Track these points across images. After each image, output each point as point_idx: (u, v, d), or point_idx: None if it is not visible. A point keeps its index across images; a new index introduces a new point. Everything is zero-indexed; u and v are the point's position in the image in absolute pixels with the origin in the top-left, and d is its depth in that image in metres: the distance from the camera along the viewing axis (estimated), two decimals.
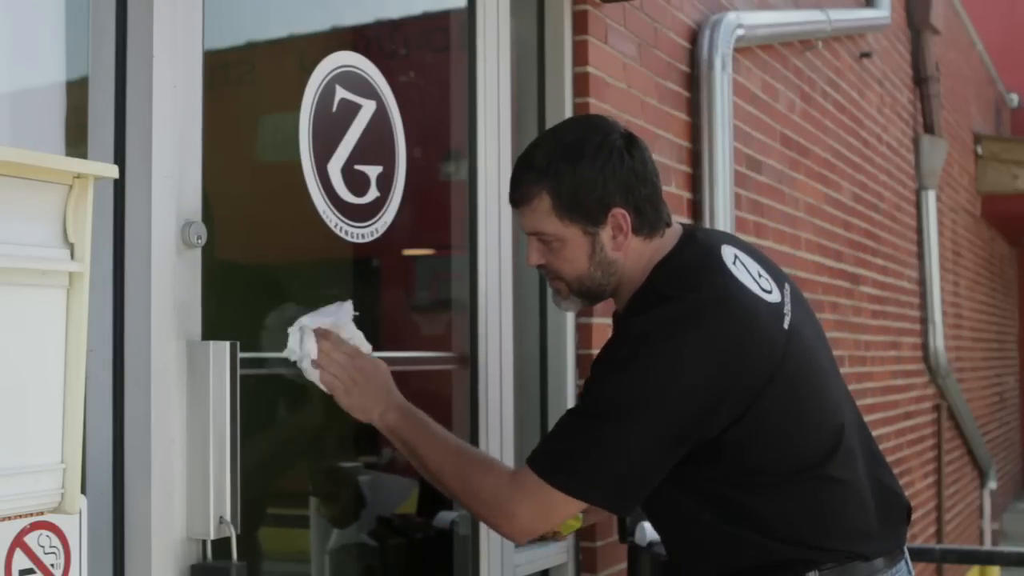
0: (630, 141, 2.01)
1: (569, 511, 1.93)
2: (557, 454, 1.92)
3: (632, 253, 2.00)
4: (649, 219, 2.00)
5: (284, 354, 1.96)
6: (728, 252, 2.01)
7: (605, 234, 1.98)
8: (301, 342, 1.94)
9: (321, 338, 1.95)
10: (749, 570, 1.96)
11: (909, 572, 2.07)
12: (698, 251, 2.02)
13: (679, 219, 2.39)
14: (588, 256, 1.99)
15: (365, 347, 2.04)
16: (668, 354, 1.87)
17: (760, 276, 2.00)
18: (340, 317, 2.01)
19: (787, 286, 2.06)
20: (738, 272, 1.97)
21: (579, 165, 1.96)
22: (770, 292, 1.99)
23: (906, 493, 2.15)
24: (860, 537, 1.98)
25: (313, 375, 1.96)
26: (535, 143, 2.08)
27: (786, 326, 1.96)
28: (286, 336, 1.95)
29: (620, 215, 1.97)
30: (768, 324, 1.93)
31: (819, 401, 1.99)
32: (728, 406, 1.86)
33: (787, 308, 2.00)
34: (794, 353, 1.95)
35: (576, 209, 1.96)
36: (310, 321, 1.95)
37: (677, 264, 2.00)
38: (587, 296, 2.07)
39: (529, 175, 2.00)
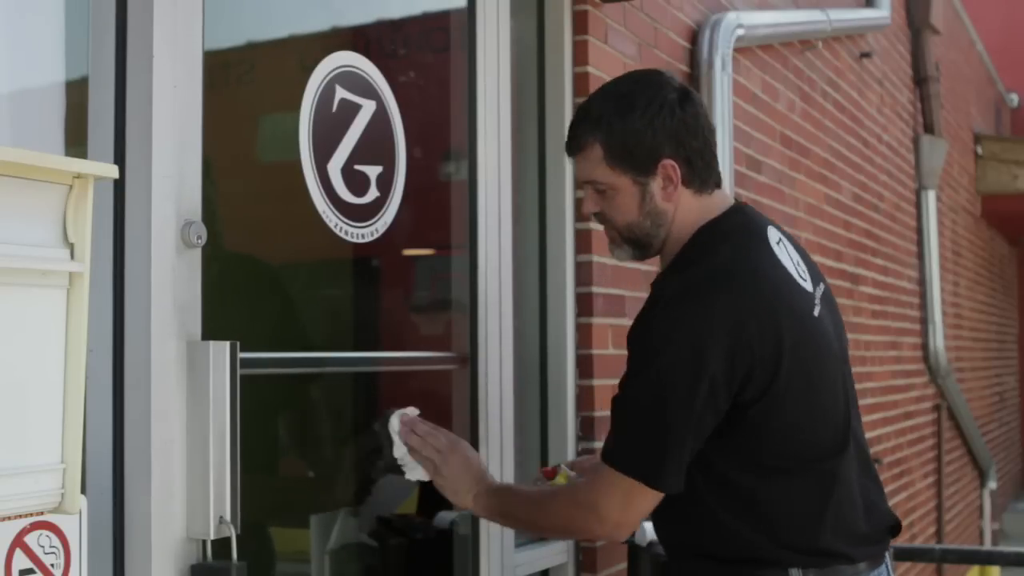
0: (684, 96, 2.05)
1: (651, 499, 1.94)
2: (627, 446, 1.95)
3: (683, 206, 2.05)
4: (700, 172, 2.05)
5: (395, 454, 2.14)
6: (774, 233, 2.06)
7: (655, 184, 2.03)
8: (389, 424, 2.12)
9: (417, 421, 2.13)
10: (732, 561, 1.97)
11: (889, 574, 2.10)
12: (745, 221, 2.07)
13: None
14: (638, 205, 2.05)
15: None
16: (699, 316, 1.90)
17: (798, 264, 2.05)
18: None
19: (822, 286, 2.10)
20: (779, 252, 2.02)
21: (629, 116, 2.02)
22: (805, 281, 2.03)
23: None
24: (850, 540, 1.99)
25: (410, 465, 2.14)
26: (592, 95, 2.14)
27: (816, 314, 2.00)
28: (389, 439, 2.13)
29: (669, 166, 2.02)
30: (798, 302, 1.97)
31: (833, 397, 2.01)
32: (757, 371, 1.88)
33: (817, 301, 2.03)
34: (818, 342, 1.98)
35: (625, 159, 2.02)
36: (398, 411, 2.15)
37: (722, 229, 2.04)
38: (637, 246, 2.11)
39: (583, 125, 2.07)
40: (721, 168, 2.14)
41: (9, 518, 1.30)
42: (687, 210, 2.05)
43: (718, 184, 2.09)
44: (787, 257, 2.03)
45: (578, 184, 2.10)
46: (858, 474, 2.04)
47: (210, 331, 1.81)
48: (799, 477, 1.96)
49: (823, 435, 1.98)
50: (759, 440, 1.93)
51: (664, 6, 3.43)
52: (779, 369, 1.90)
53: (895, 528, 2.13)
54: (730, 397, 1.89)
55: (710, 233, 2.03)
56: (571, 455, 2.86)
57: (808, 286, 2.03)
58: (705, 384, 1.86)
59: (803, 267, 2.06)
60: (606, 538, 2.07)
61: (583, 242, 2.91)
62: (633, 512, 1.96)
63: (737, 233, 2.03)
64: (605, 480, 1.96)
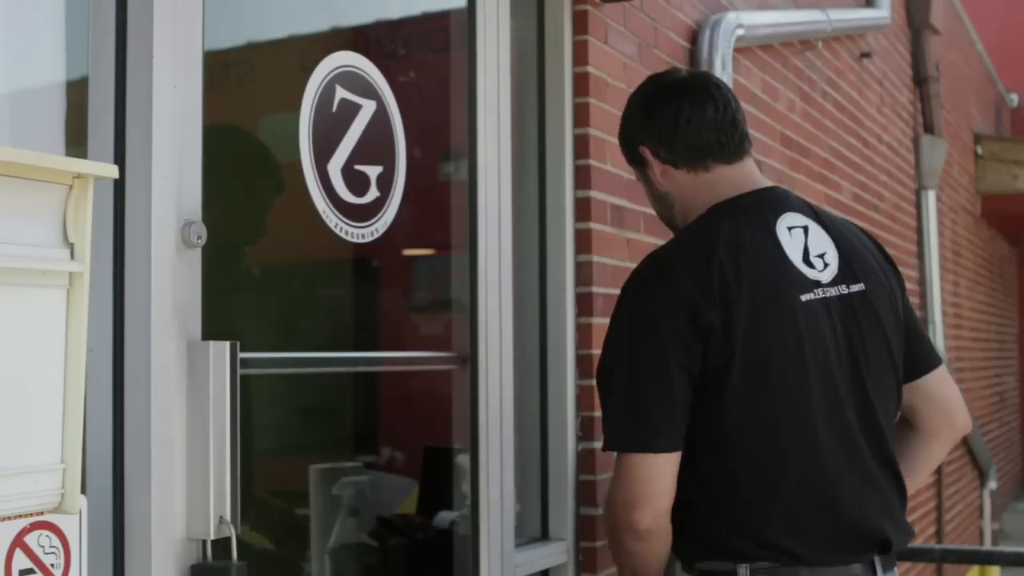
0: (661, 84, 2.20)
1: (649, 467, 1.92)
2: (611, 423, 1.99)
3: (684, 187, 2.12)
4: (681, 153, 2.11)
5: None
6: (793, 218, 2.04)
7: (649, 171, 2.15)
8: None
9: None
10: (700, 544, 1.97)
11: None
12: (756, 203, 2.06)
13: None
14: (650, 192, 2.21)
15: None
16: (657, 286, 1.96)
17: (819, 257, 2.01)
18: None
19: (857, 286, 2.02)
20: (783, 235, 2.00)
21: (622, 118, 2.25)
22: (816, 270, 1.99)
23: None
24: (806, 540, 1.94)
25: None
26: None
27: (804, 298, 1.95)
28: None
29: (645, 150, 2.15)
30: (775, 280, 1.95)
31: (801, 390, 1.94)
32: (716, 330, 1.89)
33: (827, 292, 1.98)
34: (788, 325, 1.93)
35: (626, 152, 2.23)
36: None
37: (721, 209, 2.06)
38: (671, 230, 2.21)
39: None
40: None
41: (9, 518, 1.30)
42: (690, 191, 2.10)
43: (723, 160, 2.09)
44: (798, 242, 1.99)
45: None
46: (846, 480, 1.97)
47: (210, 331, 1.81)
48: (751, 465, 1.93)
49: (780, 427, 1.93)
50: (717, 417, 1.92)
51: (664, 6, 3.43)
52: (733, 334, 1.89)
53: (885, 544, 2.01)
54: (698, 348, 1.90)
55: (710, 213, 2.06)
56: (571, 455, 2.85)
57: (815, 274, 1.98)
58: (669, 342, 1.90)
59: (830, 259, 2.01)
60: (633, 525, 1.95)
61: (583, 242, 2.91)
62: (632, 487, 1.93)
63: (735, 212, 2.02)
64: (615, 468, 1.98)
